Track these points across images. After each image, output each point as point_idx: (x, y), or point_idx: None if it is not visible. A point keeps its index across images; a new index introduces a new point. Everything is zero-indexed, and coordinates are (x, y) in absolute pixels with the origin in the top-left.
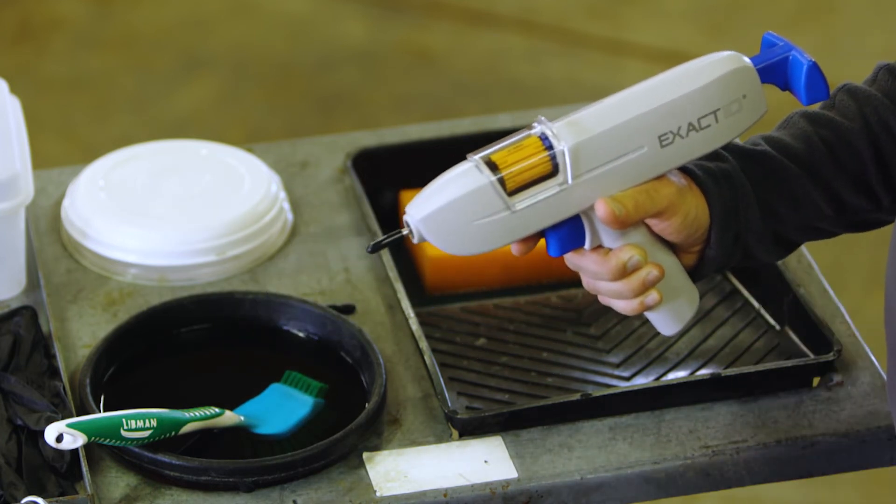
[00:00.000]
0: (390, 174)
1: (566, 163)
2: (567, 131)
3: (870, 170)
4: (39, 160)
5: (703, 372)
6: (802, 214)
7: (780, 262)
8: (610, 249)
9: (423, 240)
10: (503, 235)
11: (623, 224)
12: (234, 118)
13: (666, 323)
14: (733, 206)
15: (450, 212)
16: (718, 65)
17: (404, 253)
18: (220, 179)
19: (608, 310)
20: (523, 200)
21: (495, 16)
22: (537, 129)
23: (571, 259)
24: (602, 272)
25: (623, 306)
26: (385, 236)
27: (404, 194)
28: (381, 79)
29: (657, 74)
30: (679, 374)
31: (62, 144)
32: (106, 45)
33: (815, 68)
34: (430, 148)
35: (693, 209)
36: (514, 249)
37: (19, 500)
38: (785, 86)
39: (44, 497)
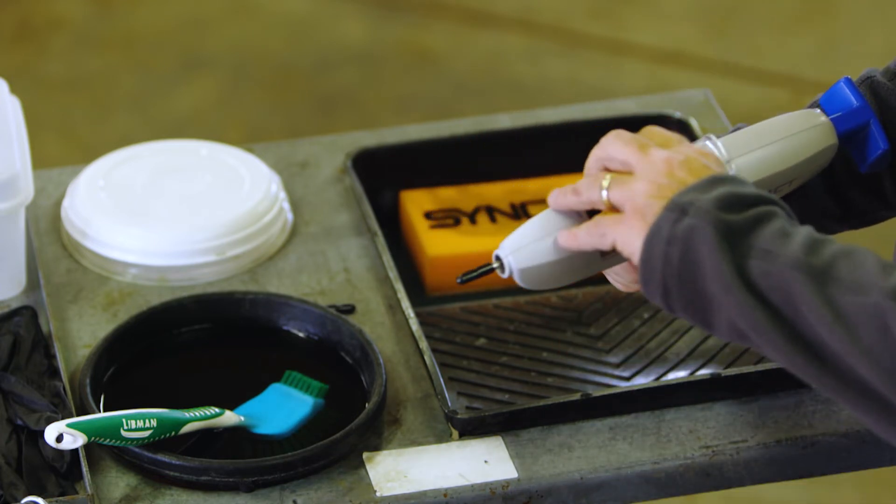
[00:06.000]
0: (390, 174)
1: None
2: None
3: (883, 171)
4: (39, 160)
5: (703, 372)
6: (809, 215)
7: None
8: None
9: (509, 276)
10: (577, 275)
11: None
12: (234, 118)
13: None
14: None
15: (556, 266)
16: (815, 140)
17: (404, 253)
18: (220, 179)
19: (608, 310)
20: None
21: (495, 16)
22: None
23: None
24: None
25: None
26: (477, 268)
27: (404, 194)
28: (381, 79)
29: (759, 125)
30: (679, 374)
31: (62, 144)
32: (106, 45)
33: (887, 154)
34: (430, 148)
35: None
36: None
37: (19, 500)
38: (854, 152)
39: (44, 497)
